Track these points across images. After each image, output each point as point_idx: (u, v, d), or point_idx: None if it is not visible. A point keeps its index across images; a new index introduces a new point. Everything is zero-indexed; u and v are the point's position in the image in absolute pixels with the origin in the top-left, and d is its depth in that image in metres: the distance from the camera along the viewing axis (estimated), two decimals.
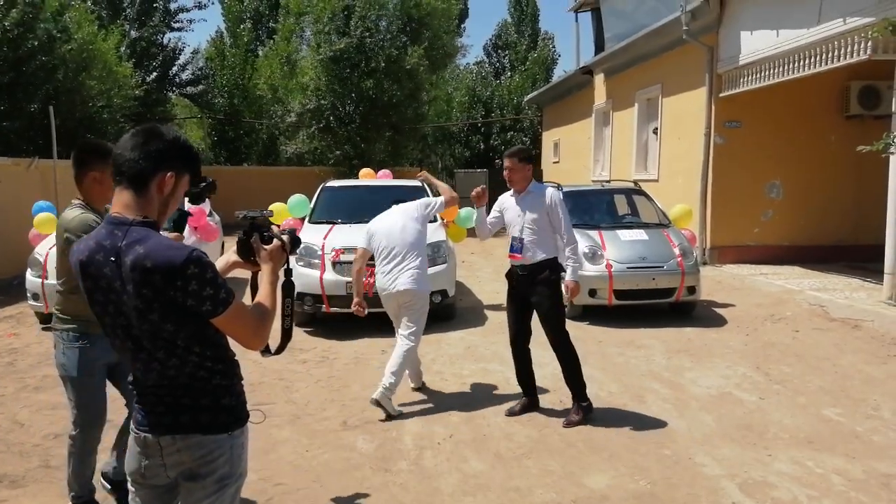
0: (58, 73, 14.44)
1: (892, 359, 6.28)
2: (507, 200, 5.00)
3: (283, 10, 22.46)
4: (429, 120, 24.25)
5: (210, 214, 9.47)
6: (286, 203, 8.67)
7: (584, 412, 4.78)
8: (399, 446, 4.40)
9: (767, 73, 10.07)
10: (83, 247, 1.94)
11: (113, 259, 1.86)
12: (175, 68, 24.35)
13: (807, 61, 9.17)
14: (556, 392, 5.35)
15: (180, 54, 24.38)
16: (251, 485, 3.80)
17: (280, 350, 2.21)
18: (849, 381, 5.66)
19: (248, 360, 6.33)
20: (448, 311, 7.94)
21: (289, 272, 2.25)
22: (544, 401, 5.14)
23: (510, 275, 4.96)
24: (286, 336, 2.23)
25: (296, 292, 7.92)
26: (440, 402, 5.20)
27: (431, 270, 6.89)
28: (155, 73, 23.22)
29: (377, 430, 4.65)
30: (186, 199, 2.33)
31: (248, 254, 2.18)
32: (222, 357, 2.02)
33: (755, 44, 10.24)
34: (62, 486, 3.86)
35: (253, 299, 2.14)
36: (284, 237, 2.19)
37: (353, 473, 3.99)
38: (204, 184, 2.37)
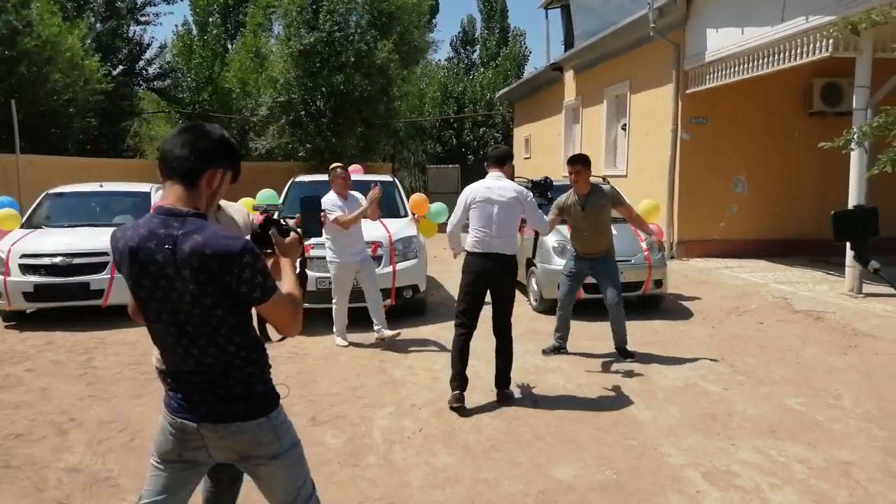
0: (20, 66, 14.15)
1: (853, 349, 6.43)
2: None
3: (251, 4, 22.23)
4: (401, 115, 24.19)
5: None
6: (255, 198, 8.60)
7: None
8: (368, 441, 4.39)
9: (733, 70, 10.22)
10: (132, 234, 2.03)
11: (169, 247, 1.95)
12: (142, 62, 23.99)
13: (771, 58, 9.33)
14: (525, 385, 5.39)
15: (147, 48, 24.04)
16: None
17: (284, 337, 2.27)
18: (811, 372, 5.78)
19: None
20: (419, 306, 7.96)
21: (304, 262, 2.39)
22: (515, 393, 5.18)
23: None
24: None
25: None
26: (410, 397, 5.21)
27: (403, 265, 6.88)
28: (121, 67, 22.86)
29: (346, 426, 4.64)
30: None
31: (263, 245, 2.29)
32: (256, 346, 2.13)
33: (721, 41, 10.39)
34: (24, 486, 3.80)
35: None
36: (299, 230, 2.36)
37: (321, 469, 3.97)
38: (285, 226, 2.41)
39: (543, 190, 5.67)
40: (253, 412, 2.10)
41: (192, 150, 2.04)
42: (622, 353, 6.14)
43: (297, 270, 2.32)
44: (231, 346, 2.05)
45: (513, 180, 5.28)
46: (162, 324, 2.06)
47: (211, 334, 2.03)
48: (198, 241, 1.94)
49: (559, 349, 6.33)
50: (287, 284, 2.19)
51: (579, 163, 6.05)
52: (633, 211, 6.45)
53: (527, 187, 5.51)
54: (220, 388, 2.07)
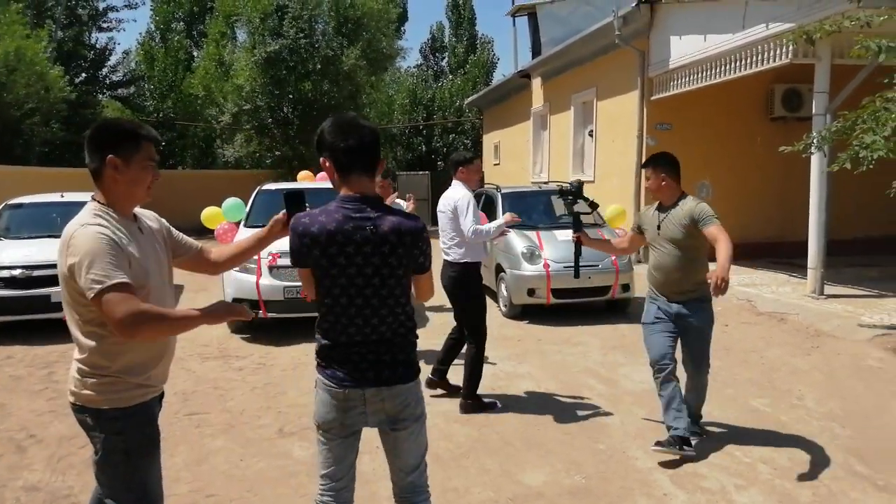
0: None
1: (816, 350, 6.55)
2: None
3: (213, 13, 22.05)
4: (370, 122, 24.12)
5: None
6: (220, 207, 8.48)
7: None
8: None
9: (696, 76, 10.38)
10: (326, 219, 2.30)
11: (371, 228, 2.29)
12: (105, 70, 23.63)
13: (733, 65, 9.49)
14: (495, 390, 5.39)
15: (110, 55, 23.68)
16: (181, 497, 3.70)
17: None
18: (775, 373, 5.87)
19: (181, 370, 6.18)
20: None
21: None
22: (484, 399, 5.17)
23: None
24: None
25: (232, 298, 7.80)
26: None
27: None
28: (84, 75, 22.47)
29: (314, 437, 4.58)
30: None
31: None
32: (413, 316, 2.47)
33: (684, 48, 10.55)
34: None
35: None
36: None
37: (289, 481, 3.92)
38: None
39: (573, 198, 4.58)
40: (410, 376, 2.42)
41: (375, 145, 2.40)
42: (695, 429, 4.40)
43: None
44: (402, 315, 2.39)
45: (472, 183, 5.25)
46: (347, 297, 2.33)
47: (393, 304, 2.35)
48: (393, 221, 2.32)
49: (684, 440, 4.10)
50: None
51: (649, 164, 4.33)
52: (722, 242, 4.20)
53: (555, 193, 5.49)
54: (386, 356, 2.37)
